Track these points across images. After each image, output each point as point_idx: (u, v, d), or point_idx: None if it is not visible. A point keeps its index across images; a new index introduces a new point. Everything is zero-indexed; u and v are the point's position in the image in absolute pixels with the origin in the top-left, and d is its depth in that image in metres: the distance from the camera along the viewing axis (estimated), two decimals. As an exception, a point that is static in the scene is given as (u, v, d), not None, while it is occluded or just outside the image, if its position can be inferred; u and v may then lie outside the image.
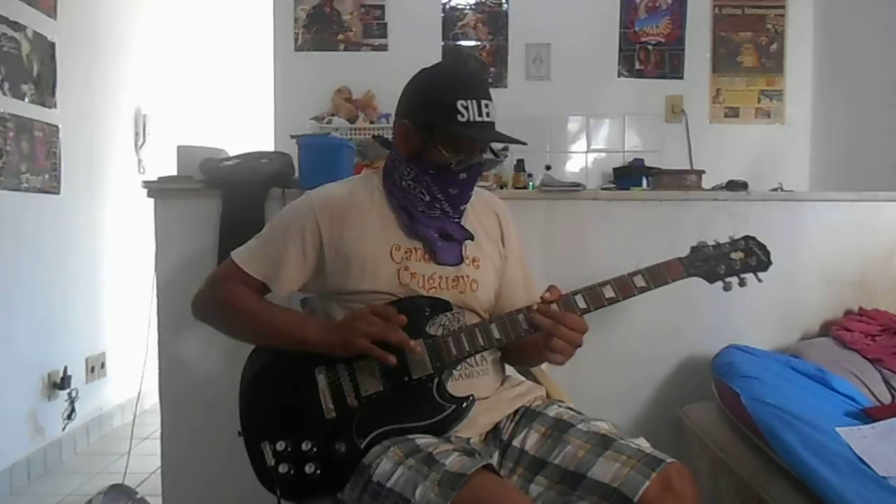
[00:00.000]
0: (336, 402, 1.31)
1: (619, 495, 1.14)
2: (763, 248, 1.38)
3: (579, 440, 1.26)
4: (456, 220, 1.41)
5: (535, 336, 1.31)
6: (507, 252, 1.51)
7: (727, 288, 1.36)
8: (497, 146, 1.45)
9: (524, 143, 1.36)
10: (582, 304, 1.30)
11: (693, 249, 1.37)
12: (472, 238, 1.42)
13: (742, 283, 1.36)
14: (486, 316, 1.43)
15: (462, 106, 1.29)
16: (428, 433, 1.29)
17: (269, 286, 1.40)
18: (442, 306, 1.35)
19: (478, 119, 1.30)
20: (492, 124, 1.33)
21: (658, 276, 1.33)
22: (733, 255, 1.36)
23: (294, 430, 1.31)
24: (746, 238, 1.38)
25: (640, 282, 1.32)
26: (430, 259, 1.38)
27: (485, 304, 1.44)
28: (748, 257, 1.36)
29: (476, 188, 1.46)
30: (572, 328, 1.26)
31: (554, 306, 1.29)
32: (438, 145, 1.32)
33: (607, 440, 1.24)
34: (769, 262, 1.37)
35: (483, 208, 1.51)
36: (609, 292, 1.31)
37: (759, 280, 1.37)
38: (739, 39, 3.85)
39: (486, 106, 1.31)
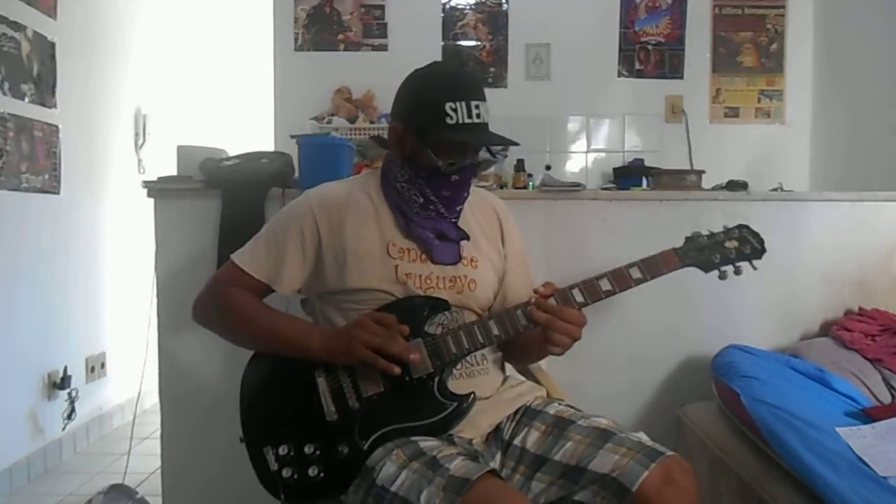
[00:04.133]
0: (337, 404, 1.30)
1: (617, 484, 1.15)
2: (756, 235, 1.39)
3: (579, 435, 1.26)
4: (453, 219, 1.40)
5: (534, 332, 1.32)
6: (508, 251, 1.50)
7: (723, 276, 1.37)
8: (496, 146, 1.45)
9: (517, 144, 1.35)
10: (579, 298, 1.31)
11: (687, 240, 1.38)
12: (467, 238, 1.41)
13: (738, 272, 1.37)
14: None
15: (451, 108, 1.28)
16: (431, 432, 1.29)
17: (271, 286, 1.39)
18: (440, 306, 1.35)
19: (467, 121, 1.29)
20: (483, 126, 1.32)
21: (654, 266, 1.33)
22: (727, 244, 1.37)
23: (296, 433, 1.30)
24: (740, 227, 1.39)
25: (636, 273, 1.33)
26: (425, 259, 1.38)
27: (484, 304, 1.44)
28: (742, 245, 1.37)
29: (475, 188, 1.45)
30: (570, 322, 1.27)
31: (552, 300, 1.30)
32: (428, 149, 1.32)
33: (607, 434, 1.24)
34: (763, 250, 1.38)
35: (482, 208, 1.50)
36: (606, 285, 1.32)
37: (754, 268, 1.37)
38: (739, 39, 3.85)
39: (477, 107, 1.30)
